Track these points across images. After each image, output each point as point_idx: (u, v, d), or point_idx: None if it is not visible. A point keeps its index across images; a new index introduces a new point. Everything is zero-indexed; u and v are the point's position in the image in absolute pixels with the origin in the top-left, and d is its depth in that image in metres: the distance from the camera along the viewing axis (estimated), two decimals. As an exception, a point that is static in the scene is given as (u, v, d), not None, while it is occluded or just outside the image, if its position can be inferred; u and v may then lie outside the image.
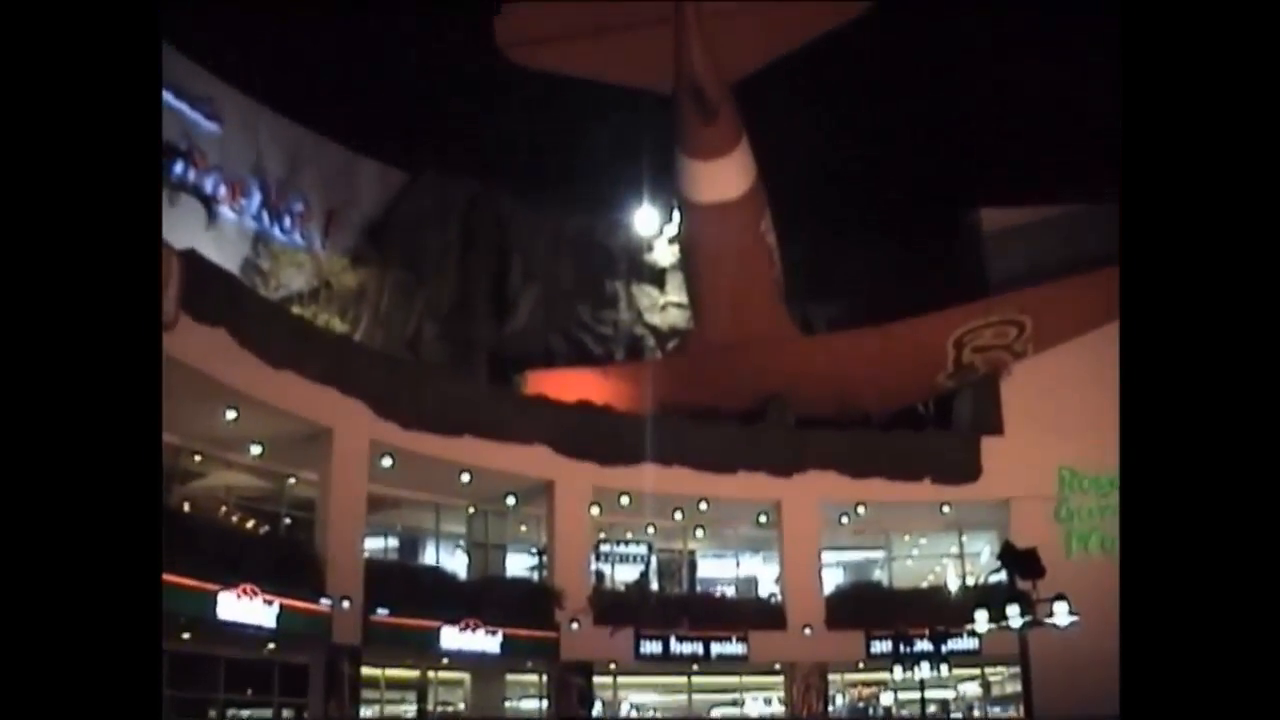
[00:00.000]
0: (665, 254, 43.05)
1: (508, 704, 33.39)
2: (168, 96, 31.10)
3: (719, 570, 39.60)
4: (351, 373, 27.37)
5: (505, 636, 29.49)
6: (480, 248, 39.96)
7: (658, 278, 43.18)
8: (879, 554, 38.86)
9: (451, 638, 28.39)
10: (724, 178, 33.51)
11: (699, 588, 37.93)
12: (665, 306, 42.83)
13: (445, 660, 30.34)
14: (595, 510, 32.94)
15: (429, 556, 33.75)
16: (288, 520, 29.27)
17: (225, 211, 32.68)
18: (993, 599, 22.02)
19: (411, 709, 32.93)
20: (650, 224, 43.13)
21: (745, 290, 35.75)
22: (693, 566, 38.13)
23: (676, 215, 38.90)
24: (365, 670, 27.58)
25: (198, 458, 27.31)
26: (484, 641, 29.09)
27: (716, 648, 33.05)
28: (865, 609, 34.46)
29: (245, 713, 29.95)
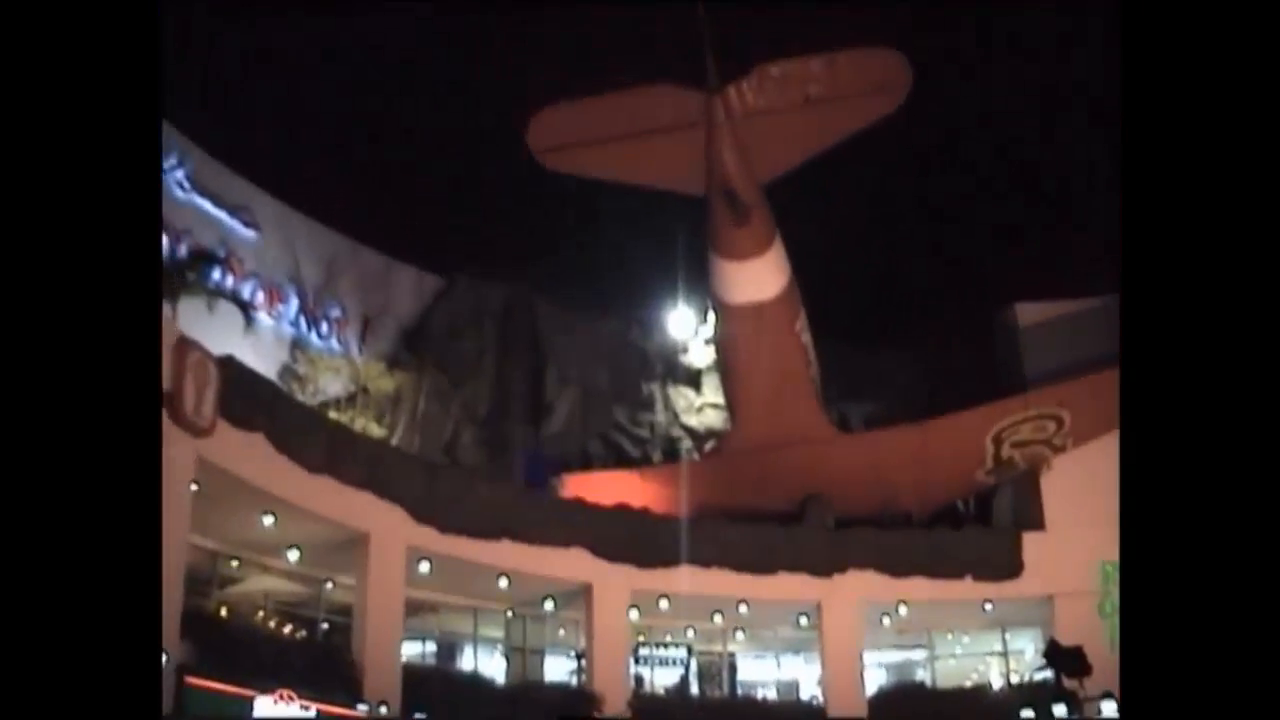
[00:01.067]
0: (701, 355, 43.17)
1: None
2: (205, 205, 31.76)
3: (760, 672, 39.06)
4: (388, 477, 27.41)
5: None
6: (516, 351, 40.22)
7: (694, 379, 43.27)
8: (921, 654, 38.16)
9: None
10: (757, 278, 33.66)
11: (740, 690, 37.37)
12: (702, 408, 42.84)
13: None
14: (634, 613, 32.61)
15: (467, 661, 33.51)
16: (325, 625, 29.19)
17: (262, 318, 33.02)
18: (1039, 698, 21.61)
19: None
20: (685, 325, 43.34)
21: (781, 390, 35.70)
22: (733, 669, 37.62)
23: (711, 316, 39.04)
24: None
25: (235, 563, 27.37)
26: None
27: (759, 754, 32.46)
28: (909, 710, 33.78)
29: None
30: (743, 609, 33.77)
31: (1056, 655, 20.13)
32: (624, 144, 32.37)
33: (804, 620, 35.06)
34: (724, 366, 38.40)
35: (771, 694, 38.01)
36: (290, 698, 23.15)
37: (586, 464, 39.90)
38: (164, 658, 19.82)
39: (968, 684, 37.46)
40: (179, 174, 30.97)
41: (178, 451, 21.17)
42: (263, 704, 22.65)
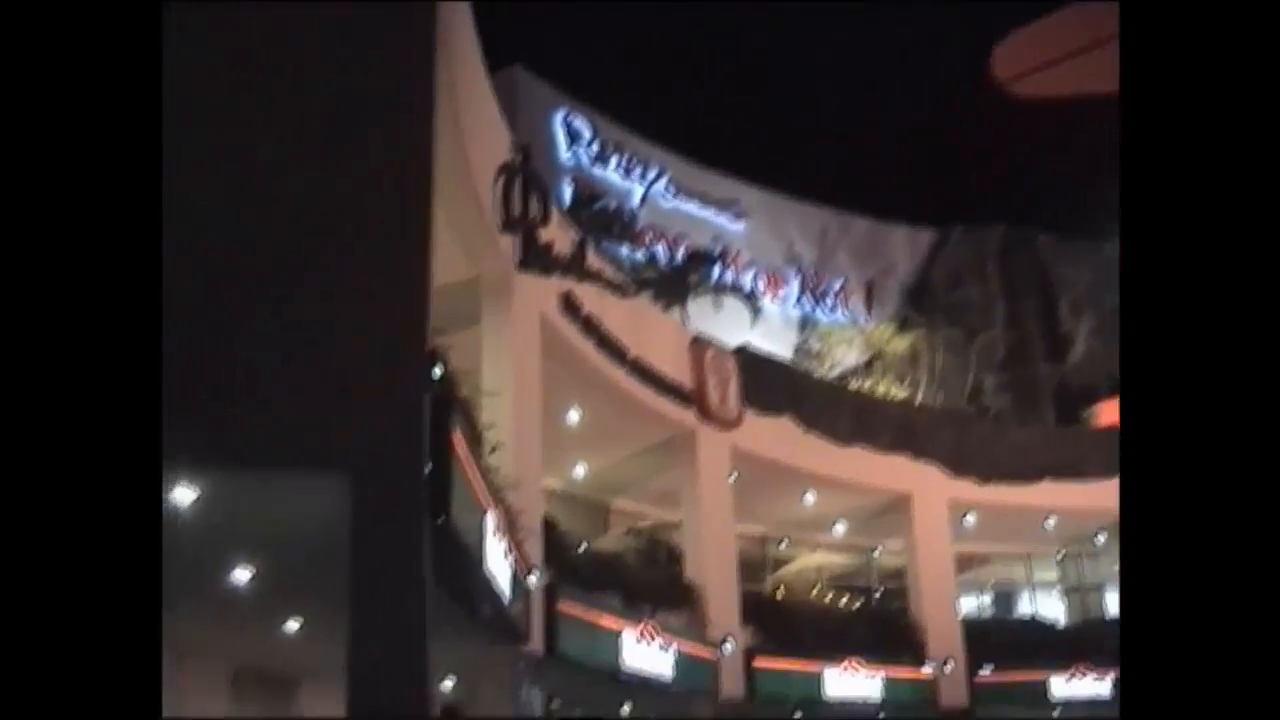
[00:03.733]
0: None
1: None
2: (692, 207, 32.90)
3: None
4: (920, 436, 27.40)
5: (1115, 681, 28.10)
6: (1023, 289, 39.00)
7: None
8: None
9: (1061, 688, 27.40)
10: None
11: None
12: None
13: (1057, 711, 29.29)
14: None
15: (1025, 607, 32.91)
16: (879, 592, 29.60)
17: (768, 304, 33.84)
18: None
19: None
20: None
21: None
22: None
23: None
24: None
25: (784, 544, 28.32)
26: (1096, 688, 27.84)
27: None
28: None
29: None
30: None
31: None
32: (1088, 57, 30.56)
33: None
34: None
35: None
36: (857, 666, 23.67)
37: (1114, 388, 38.04)
38: (729, 643, 20.81)
39: None
40: (661, 184, 32.29)
41: (713, 445, 22.21)
42: (831, 676, 23.30)
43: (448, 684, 16.43)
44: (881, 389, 32.55)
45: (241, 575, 11.11)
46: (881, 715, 26.49)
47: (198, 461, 8.43)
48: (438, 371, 9.71)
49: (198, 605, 12.54)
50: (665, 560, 21.69)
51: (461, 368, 11.13)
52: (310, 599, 12.11)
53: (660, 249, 30.78)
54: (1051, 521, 29.36)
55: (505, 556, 12.57)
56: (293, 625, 13.45)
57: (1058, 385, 37.69)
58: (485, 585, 11.67)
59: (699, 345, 22.59)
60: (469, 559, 10.68)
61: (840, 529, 28.15)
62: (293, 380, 8.77)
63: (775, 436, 23.78)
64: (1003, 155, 41.30)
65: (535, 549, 15.13)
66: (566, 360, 17.75)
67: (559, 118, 29.92)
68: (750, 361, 24.28)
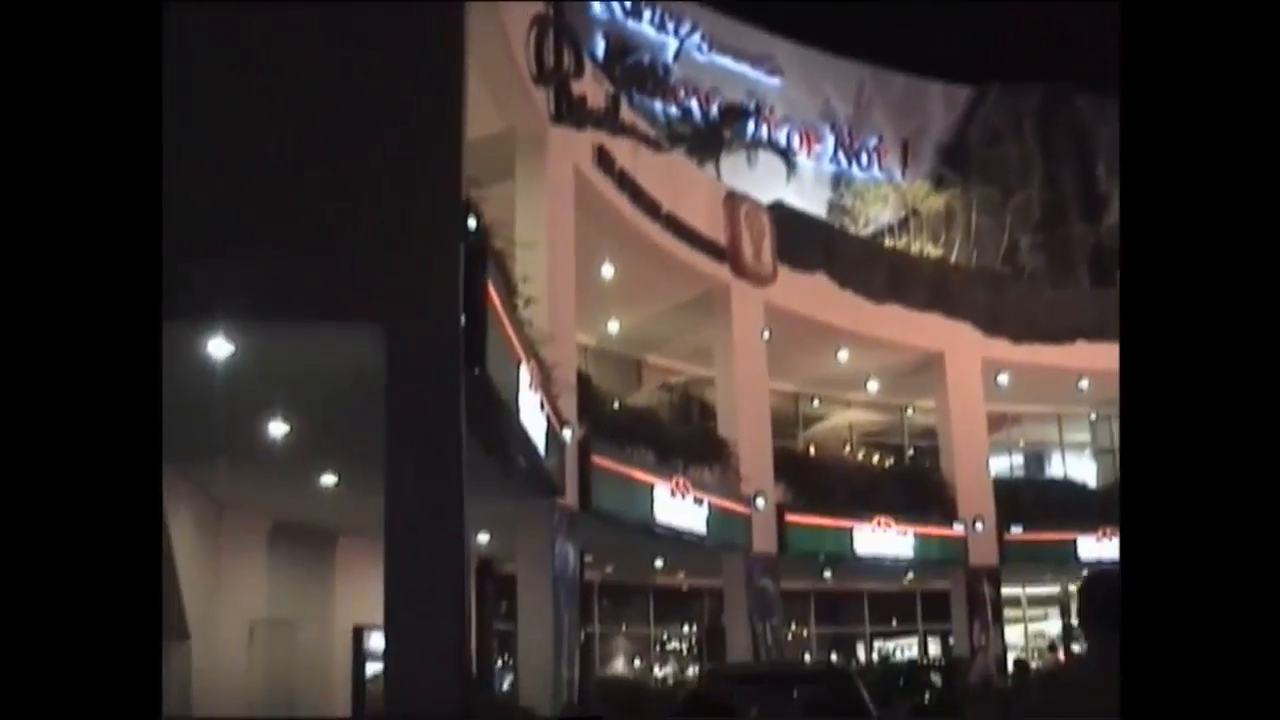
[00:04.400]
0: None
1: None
2: (727, 61, 32.28)
3: None
4: (954, 295, 27.24)
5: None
6: (1060, 149, 38.36)
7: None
8: None
9: (1090, 548, 27.59)
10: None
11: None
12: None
13: (1085, 572, 29.56)
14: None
15: (1056, 468, 33.01)
16: (911, 451, 29.70)
17: (802, 161, 33.42)
18: None
19: (1055, 624, 32.49)
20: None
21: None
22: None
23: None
24: (1005, 590, 27.44)
25: (816, 402, 28.36)
26: (1117, 550, 28.00)
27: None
28: None
29: (891, 644, 30.88)
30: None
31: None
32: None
33: None
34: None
35: None
36: (888, 524, 23.83)
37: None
38: (762, 499, 20.96)
39: None
40: (695, 38, 31.66)
41: (746, 302, 22.10)
42: (861, 533, 23.49)
43: (483, 538, 16.61)
44: (916, 247, 32.24)
45: (278, 429, 11.13)
46: (910, 573, 26.86)
47: (233, 315, 8.37)
48: (472, 223, 9.57)
49: (236, 459, 12.65)
50: (698, 416, 21.74)
51: (495, 220, 10.98)
52: (346, 453, 12.16)
53: (694, 104, 30.30)
54: (1085, 383, 29.26)
55: (540, 410, 12.57)
56: (329, 479, 13.53)
57: (1093, 246, 37.30)
58: (520, 438, 11.68)
59: (733, 200, 22.32)
60: (504, 412, 10.66)
61: (873, 387, 28.13)
62: (328, 232, 8.65)
63: (809, 293, 23.62)
64: (1041, 12, 40.31)
65: (569, 404, 15.15)
66: (600, 214, 17.56)
67: (592, -31, 29.24)
68: (784, 217, 24.02)
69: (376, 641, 17.07)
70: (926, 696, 20.21)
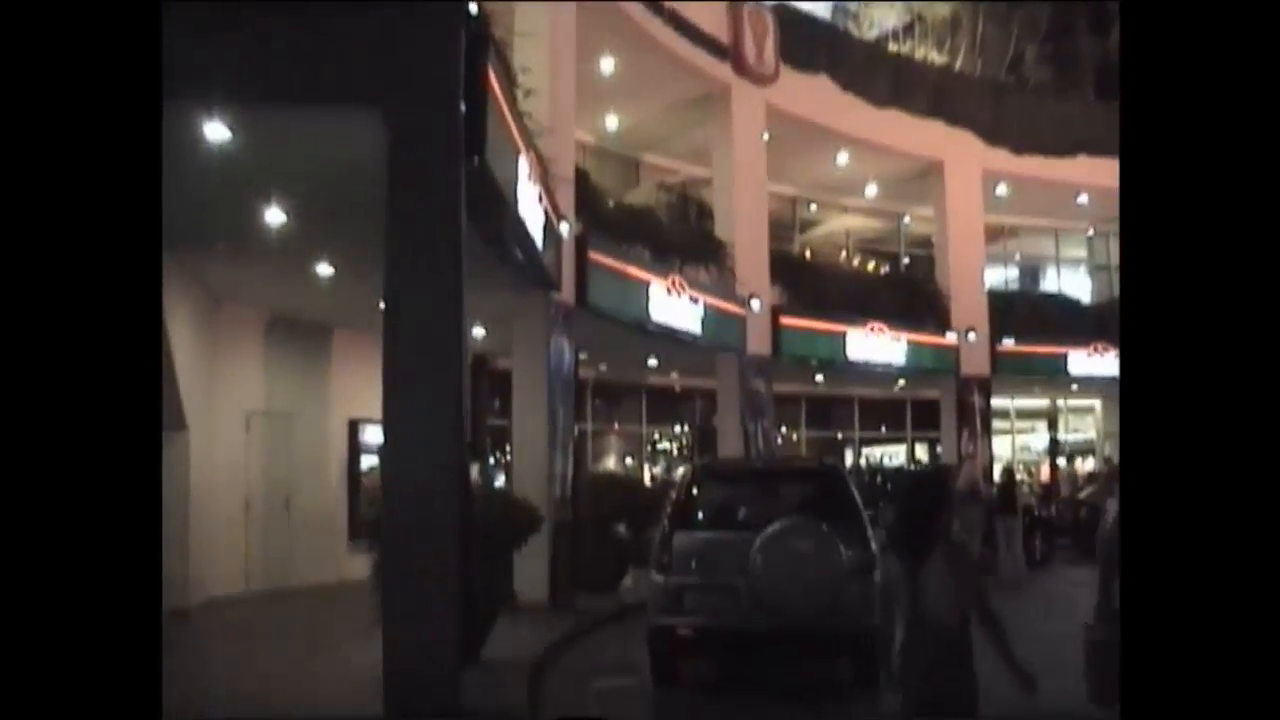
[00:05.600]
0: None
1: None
2: None
3: None
4: (956, 103, 26.83)
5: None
6: (1071, -44, 37.36)
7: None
8: None
9: (1080, 363, 27.83)
10: None
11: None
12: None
13: (1075, 387, 29.89)
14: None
15: (1051, 283, 33.06)
16: (906, 259, 29.66)
17: (809, -40, 32.48)
18: None
19: (1043, 438, 32.96)
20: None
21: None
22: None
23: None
24: (994, 401, 27.74)
25: (814, 207, 28.17)
26: (1113, 366, 28.30)
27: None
28: None
29: (879, 450, 31.35)
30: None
31: None
32: None
33: None
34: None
35: None
36: (881, 330, 23.93)
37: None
38: (757, 300, 20.99)
39: None
40: None
41: (747, 102, 21.75)
42: (855, 338, 23.61)
43: (479, 332, 16.64)
44: (920, 53, 31.62)
45: (275, 217, 10.99)
46: (902, 380, 27.10)
47: (229, 98, 8.16)
48: (473, 8, 9.29)
49: (232, 249, 12.54)
50: (695, 216, 21.58)
51: (495, 8, 10.68)
52: (344, 242, 12.05)
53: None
54: (1084, 198, 29.08)
55: (538, 204, 12.44)
56: (326, 270, 13.45)
57: (1100, 60, 36.60)
58: (518, 229, 11.58)
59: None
60: (502, 202, 10.54)
61: (871, 193, 27.93)
62: (326, 13, 8.37)
63: (811, 96, 23.24)
64: None
65: (567, 199, 15.01)
66: (601, 6, 17.10)
67: None
68: (788, 18, 23.46)
69: (372, 435, 17.29)
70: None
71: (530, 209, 11.96)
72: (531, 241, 12.26)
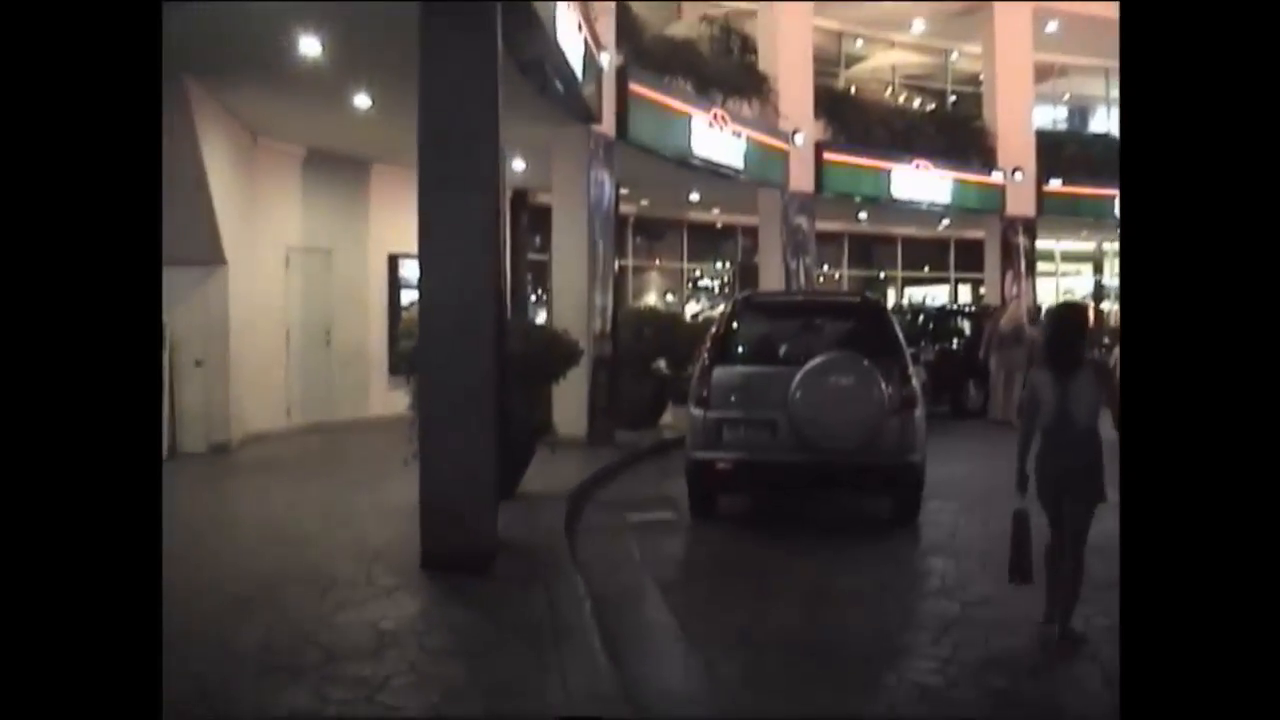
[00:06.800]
0: None
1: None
2: None
3: None
4: (1009, -65, 25.89)
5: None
6: None
7: None
8: None
9: (1130, 204, 27.36)
10: None
11: None
12: None
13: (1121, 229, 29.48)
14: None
15: (1100, 124, 32.34)
16: (953, 97, 29.04)
17: None
18: None
19: (1088, 281, 32.63)
20: None
21: None
22: None
23: None
24: (1040, 243, 27.37)
25: (860, 42, 27.50)
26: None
27: None
28: None
29: (922, 291, 31.18)
30: None
31: None
32: None
33: None
34: None
35: None
36: (927, 167, 23.55)
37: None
38: (800, 136, 20.67)
39: None
40: None
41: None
42: (900, 175, 23.25)
43: (519, 165, 16.46)
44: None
45: (310, 47, 10.77)
46: (946, 219, 26.78)
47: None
48: None
49: (268, 82, 12.36)
50: (739, 49, 21.11)
51: None
52: (381, 73, 11.83)
53: None
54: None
55: (577, 33, 12.15)
56: (363, 102, 13.24)
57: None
58: (557, 58, 11.33)
59: None
60: (541, 30, 10.28)
61: (918, 28, 27.20)
62: None
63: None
64: None
65: (607, 30, 14.67)
66: None
67: None
68: None
69: (411, 270, 17.24)
70: (955, 342, 20.47)
71: (569, 39, 11.68)
72: (571, 72, 12.00)
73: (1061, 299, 26.65)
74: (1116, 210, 27.15)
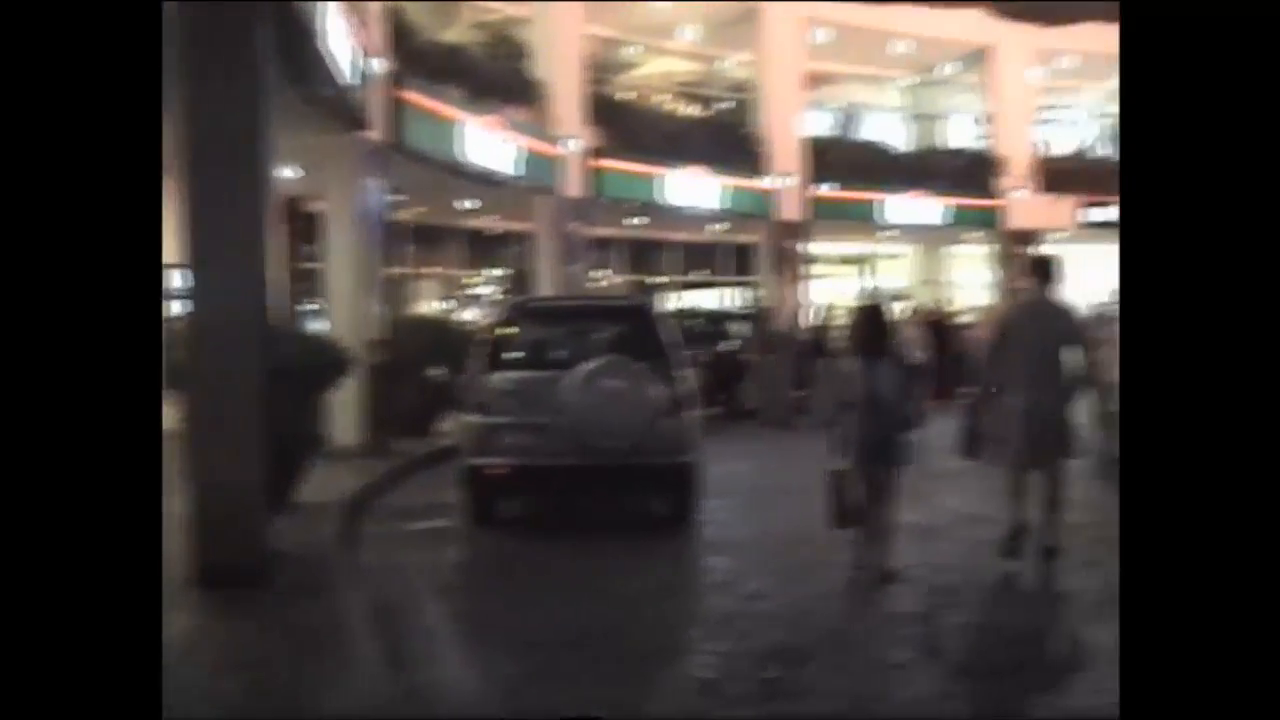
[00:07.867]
0: None
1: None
2: None
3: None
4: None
5: (948, 207, 29.31)
6: None
7: None
8: None
9: (895, 209, 28.42)
10: None
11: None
12: None
13: (889, 233, 30.55)
14: (1037, 75, 31.31)
15: (868, 130, 33.45)
16: (725, 103, 29.59)
17: None
18: None
19: (859, 283, 33.67)
20: None
21: None
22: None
23: None
24: (811, 246, 28.13)
25: (632, 48, 27.81)
26: (927, 212, 29.00)
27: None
28: None
29: (698, 296, 31.62)
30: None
31: None
32: None
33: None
34: None
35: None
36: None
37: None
38: (574, 142, 20.82)
39: None
40: None
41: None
42: (672, 181, 23.60)
43: (291, 174, 16.15)
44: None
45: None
46: (719, 224, 27.27)
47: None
48: None
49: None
50: (513, 55, 21.14)
51: None
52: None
53: None
54: (902, 47, 29.34)
55: (346, 40, 12.01)
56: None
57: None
58: (326, 65, 11.18)
59: None
60: (307, 38, 10.14)
61: (690, 34, 27.64)
62: None
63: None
64: None
65: (379, 36, 14.53)
66: None
67: None
68: None
69: (178, 280, 16.69)
70: (729, 345, 20.85)
71: (338, 43, 11.54)
72: (340, 79, 11.86)
73: (866, 300, 27.35)
74: (884, 212, 28.18)
